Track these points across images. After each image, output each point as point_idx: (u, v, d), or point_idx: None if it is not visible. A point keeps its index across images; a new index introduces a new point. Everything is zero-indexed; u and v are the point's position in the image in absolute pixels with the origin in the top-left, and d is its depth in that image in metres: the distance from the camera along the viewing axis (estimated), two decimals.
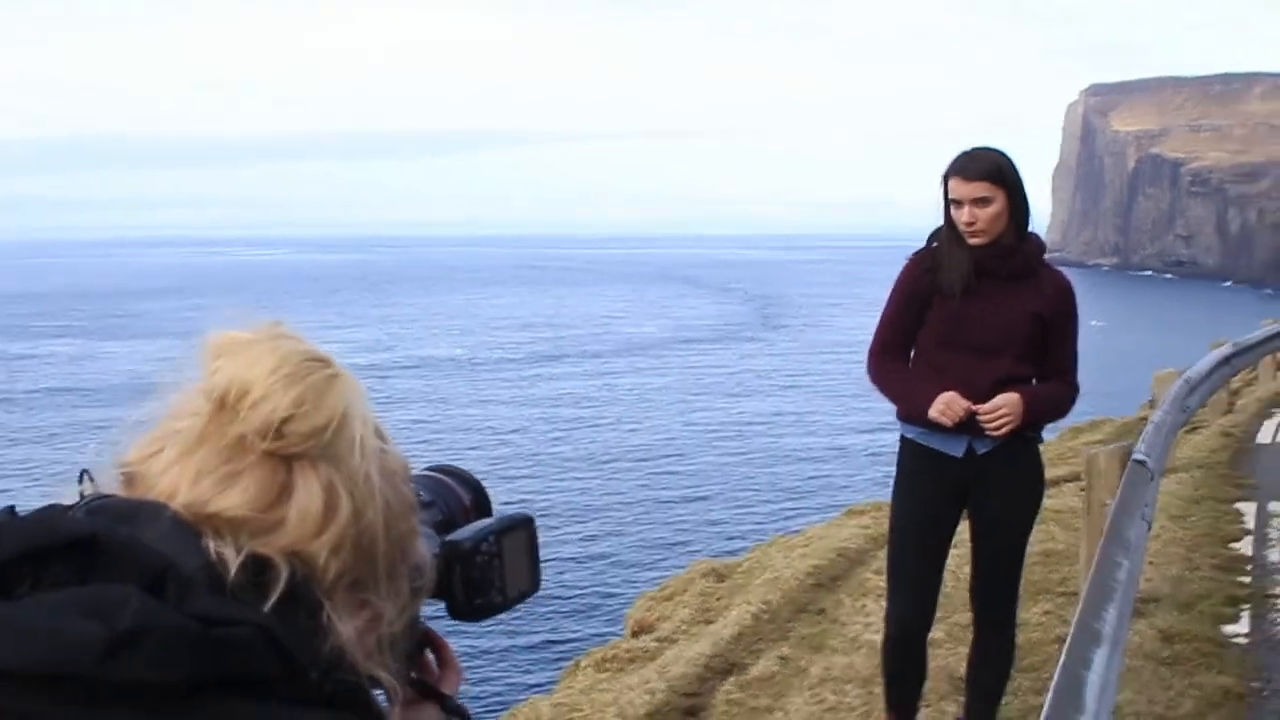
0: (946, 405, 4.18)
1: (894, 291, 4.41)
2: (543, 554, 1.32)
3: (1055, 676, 2.94)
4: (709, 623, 6.97)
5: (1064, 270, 4.53)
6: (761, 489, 29.84)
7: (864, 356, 4.44)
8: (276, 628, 0.93)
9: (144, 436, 1.04)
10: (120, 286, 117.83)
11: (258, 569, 0.97)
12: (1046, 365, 4.35)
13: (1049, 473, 11.32)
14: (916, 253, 4.40)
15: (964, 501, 4.39)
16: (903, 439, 4.45)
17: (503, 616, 1.29)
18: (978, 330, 4.25)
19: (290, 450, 1.00)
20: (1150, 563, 7.19)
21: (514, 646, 18.23)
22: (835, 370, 50.13)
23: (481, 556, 1.26)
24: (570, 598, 20.70)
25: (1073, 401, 4.42)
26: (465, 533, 1.28)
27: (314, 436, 1.01)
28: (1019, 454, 4.33)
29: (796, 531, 10.03)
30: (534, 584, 1.33)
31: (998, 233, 4.20)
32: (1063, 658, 3.07)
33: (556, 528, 24.78)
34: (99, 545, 0.93)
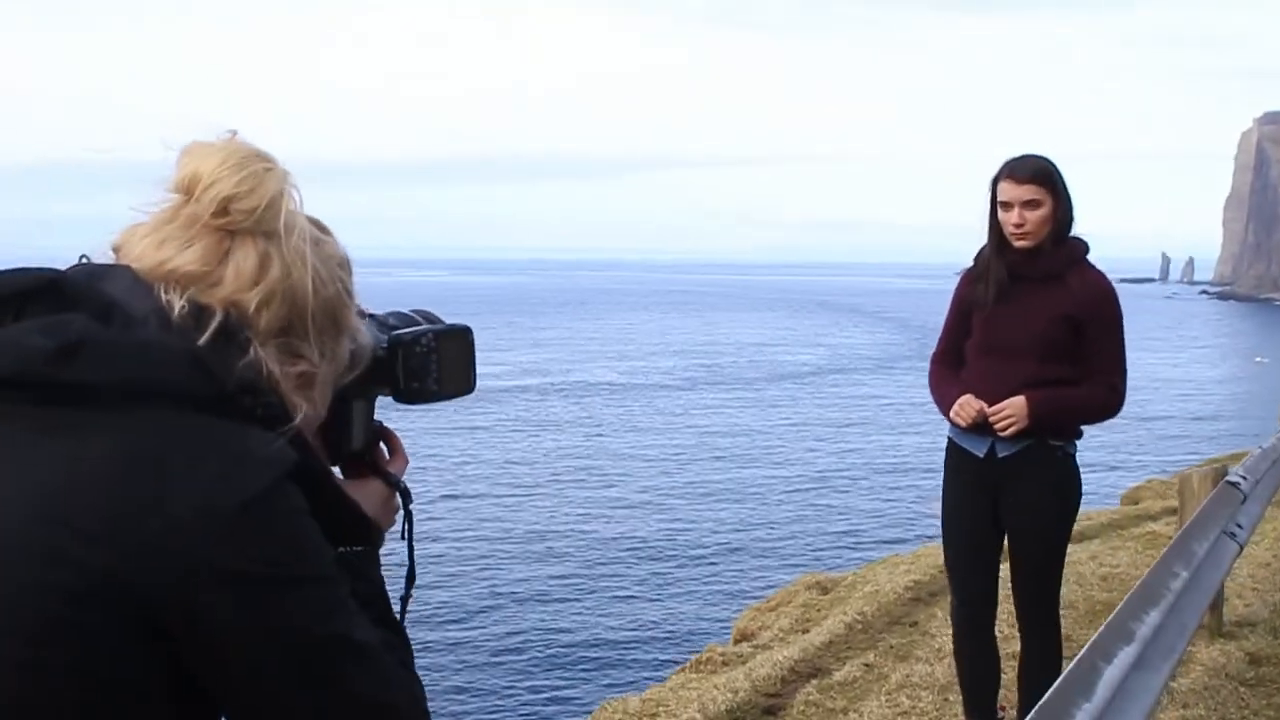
0: (961, 406, 4.37)
1: (950, 305, 4.64)
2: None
3: (1069, 665, 3.03)
4: (805, 631, 7.16)
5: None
6: (916, 522, 29.27)
7: None
8: (204, 353, 1.22)
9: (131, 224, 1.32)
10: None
11: (198, 313, 1.25)
12: (1085, 368, 4.37)
13: (1167, 502, 11.10)
14: (967, 268, 4.59)
15: (997, 502, 4.49)
16: (947, 439, 4.64)
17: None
18: (1005, 334, 4.39)
19: (235, 226, 1.28)
20: (1253, 589, 7.17)
21: (660, 662, 18.34)
22: None
23: (420, 347, 1.57)
24: (712, 633, 20.66)
25: (1112, 406, 4.41)
26: (408, 330, 1.59)
27: (253, 213, 1.28)
28: (1039, 460, 4.38)
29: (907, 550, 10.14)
30: (470, 386, 1.64)
31: (1042, 237, 4.32)
32: (1083, 649, 3.15)
33: (708, 558, 24.77)
34: (62, 290, 1.22)
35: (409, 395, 1.58)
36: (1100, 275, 4.45)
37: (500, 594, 21.54)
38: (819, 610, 7.83)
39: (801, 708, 5.48)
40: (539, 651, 18.67)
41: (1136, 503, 13.06)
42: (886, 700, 5.46)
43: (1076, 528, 10.73)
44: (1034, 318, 4.34)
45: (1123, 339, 4.41)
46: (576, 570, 23.29)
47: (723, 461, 36.50)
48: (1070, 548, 9.03)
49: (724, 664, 6.51)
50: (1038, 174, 4.29)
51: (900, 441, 41.18)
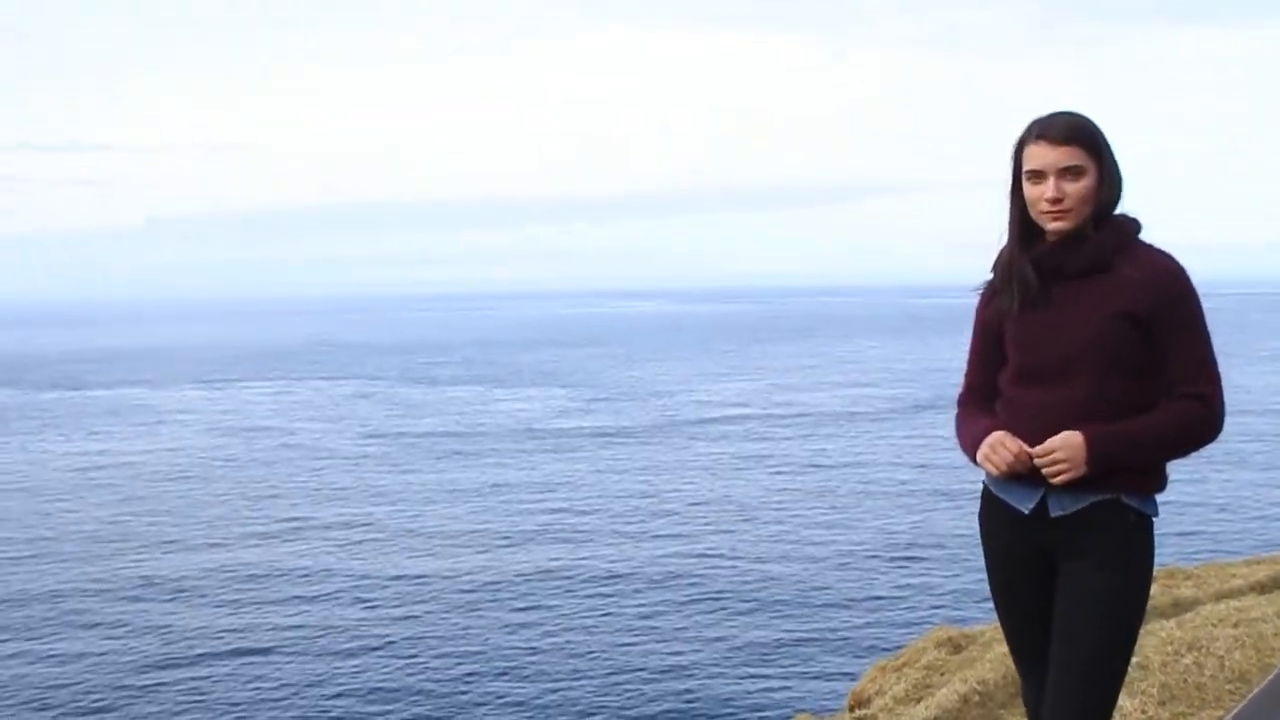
0: (992, 447, 3.33)
1: (972, 332, 3.65)
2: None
3: None
4: (919, 700, 6.50)
5: None
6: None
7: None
8: None
9: None
10: (508, 337, 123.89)
11: None
12: (1160, 380, 3.30)
13: None
14: (985, 281, 3.59)
15: (1053, 573, 3.42)
16: (983, 486, 3.57)
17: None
18: (1046, 350, 3.34)
19: None
20: None
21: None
22: (1236, 432, 46.25)
23: None
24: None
25: (1205, 423, 3.28)
26: None
27: None
28: (1105, 523, 3.29)
29: None
30: None
31: (1084, 217, 3.30)
32: None
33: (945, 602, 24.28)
34: None
35: None
36: (1163, 255, 3.34)
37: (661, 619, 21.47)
38: (943, 674, 7.15)
39: None
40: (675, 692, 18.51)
41: None
42: None
43: (1274, 571, 9.38)
44: (1080, 323, 3.29)
45: (1206, 333, 3.32)
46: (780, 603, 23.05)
47: (944, 497, 35.57)
48: (1228, 606, 7.73)
49: None
50: (1077, 133, 3.30)
51: None
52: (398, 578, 25.22)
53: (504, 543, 28.42)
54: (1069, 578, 3.33)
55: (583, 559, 26.53)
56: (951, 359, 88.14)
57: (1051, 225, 3.33)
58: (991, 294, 3.51)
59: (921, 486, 35.92)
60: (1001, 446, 3.29)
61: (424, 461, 41.52)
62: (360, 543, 28.67)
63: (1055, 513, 3.30)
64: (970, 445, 3.46)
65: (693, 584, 24.37)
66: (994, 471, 3.33)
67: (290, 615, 22.67)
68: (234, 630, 21.80)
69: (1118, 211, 3.37)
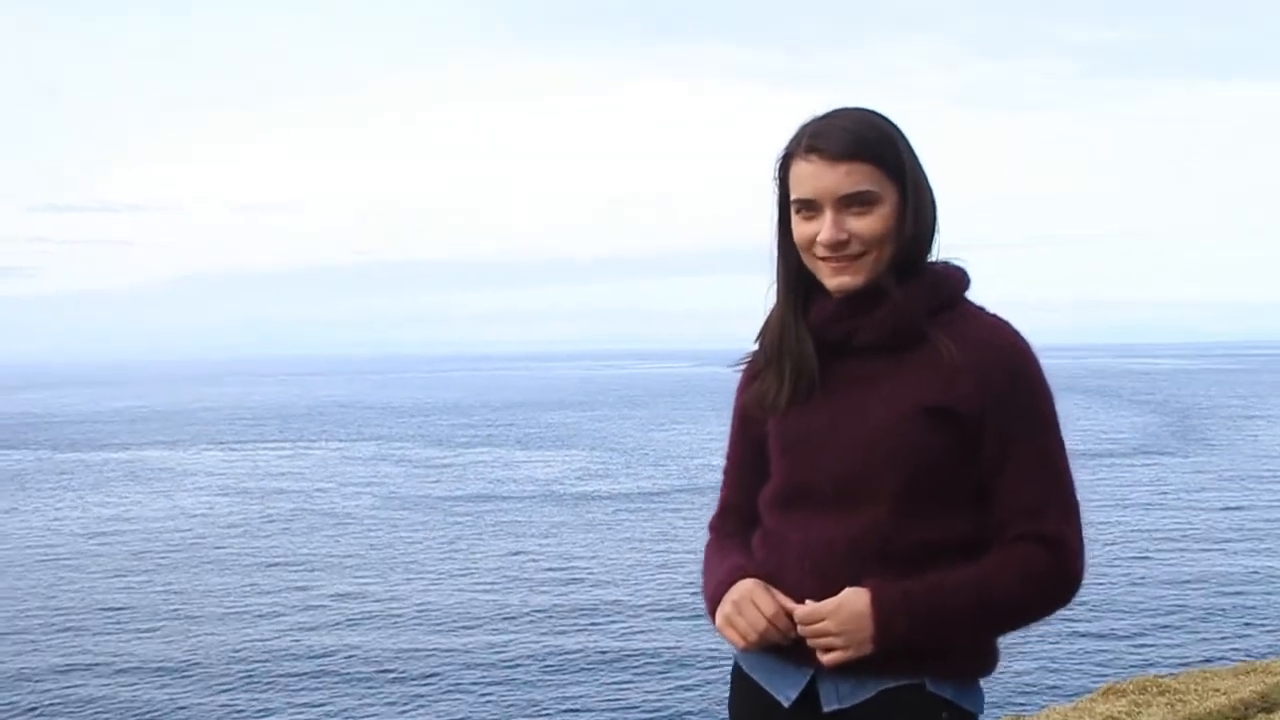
0: (735, 607, 2.24)
1: (730, 428, 2.54)
2: None
3: None
4: None
5: None
6: (1151, 616, 26.46)
7: None
8: None
9: None
10: (528, 399, 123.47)
11: None
12: (986, 511, 2.23)
13: None
14: (748, 354, 2.48)
15: None
16: (733, 666, 2.45)
17: None
18: (821, 459, 2.25)
19: None
20: None
21: None
22: (1266, 488, 45.48)
23: None
24: None
25: (1057, 579, 2.21)
26: None
27: None
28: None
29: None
30: None
31: (881, 266, 2.23)
32: None
33: None
34: None
35: None
36: (999, 324, 2.28)
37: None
38: None
39: None
40: None
41: None
42: None
43: (1264, 686, 7.82)
44: (873, 421, 2.22)
45: (1059, 442, 2.25)
46: None
47: None
48: None
49: None
50: (863, 144, 2.20)
51: (1154, 523, 38.40)
52: (413, 651, 24.45)
53: (523, 612, 27.65)
54: None
55: (599, 630, 25.76)
56: None
57: (832, 281, 2.25)
58: (754, 374, 2.42)
59: None
60: (750, 605, 2.21)
61: (440, 526, 40.86)
62: (373, 615, 27.91)
63: (829, 706, 2.21)
64: (711, 597, 2.33)
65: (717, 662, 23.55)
66: (739, 642, 2.23)
67: (297, 691, 21.93)
68: (243, 710, 21.04)
69: (932, 258, 2.30)
